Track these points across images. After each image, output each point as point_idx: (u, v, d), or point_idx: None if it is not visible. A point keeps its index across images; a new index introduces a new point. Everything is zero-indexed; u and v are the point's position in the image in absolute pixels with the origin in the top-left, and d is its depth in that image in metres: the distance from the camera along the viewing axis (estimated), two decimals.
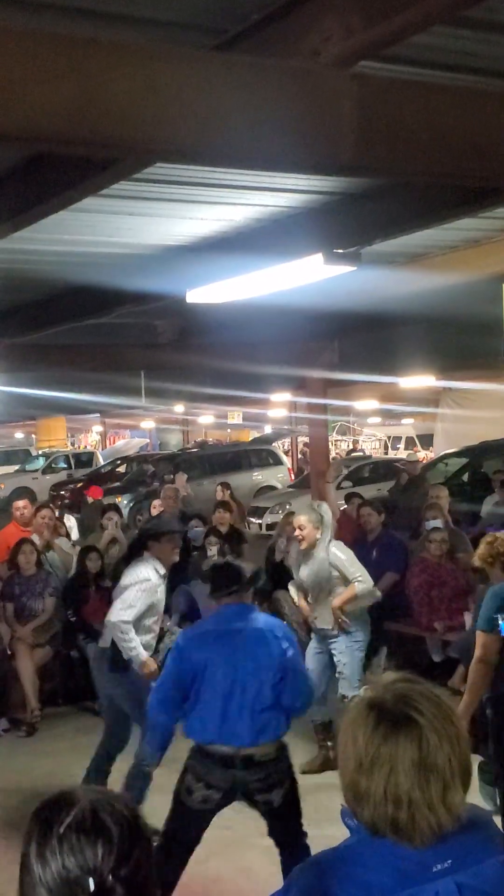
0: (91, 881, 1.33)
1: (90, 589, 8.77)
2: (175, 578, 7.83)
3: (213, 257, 6.76)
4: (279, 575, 9.05)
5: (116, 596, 6.04)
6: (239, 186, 5.38)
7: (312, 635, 6.96)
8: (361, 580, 6.64)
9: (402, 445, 34.79)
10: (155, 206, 5.80)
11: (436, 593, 8.36)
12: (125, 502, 20.81)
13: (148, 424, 33.80)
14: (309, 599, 6.89)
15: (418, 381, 13.60)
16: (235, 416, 32.73)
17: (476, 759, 4.84)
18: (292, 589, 7.52)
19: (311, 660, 6.67)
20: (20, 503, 9.89)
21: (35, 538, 9.06)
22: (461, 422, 19.88)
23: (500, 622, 4.95)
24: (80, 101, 2.68)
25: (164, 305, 8.41)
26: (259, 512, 20.24)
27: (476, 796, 5.39)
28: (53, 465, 30.41)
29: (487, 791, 5.44)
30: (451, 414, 20.90)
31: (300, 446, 32.55)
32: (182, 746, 4.76)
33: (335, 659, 6.70)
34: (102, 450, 37.32)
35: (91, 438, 44.60)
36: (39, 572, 8.70)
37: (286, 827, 4.69)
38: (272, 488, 24.14)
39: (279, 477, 25.51)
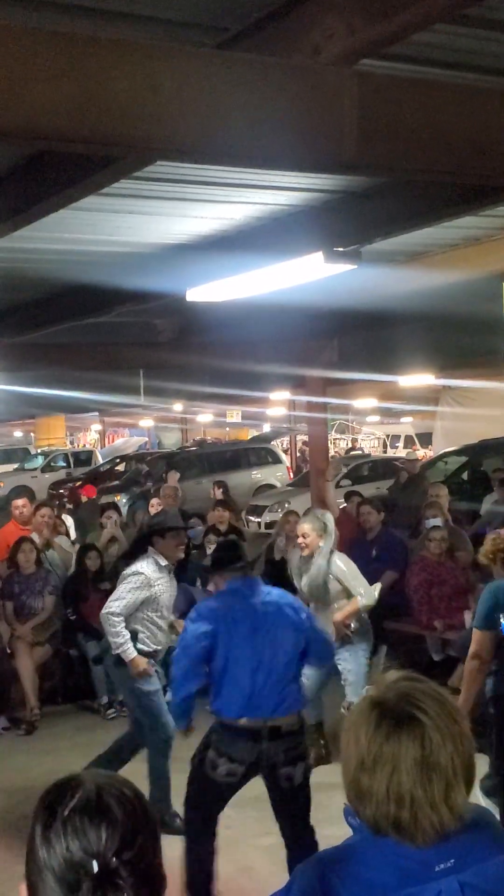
0: (94, 864, 1.32)
1: (89, 587, 8.77)
2: (175, 577, 7.81)
3: (213, 256, 6.76)
4: (278, 573, 9.05)
5: None
6: (239, 185, 5.38)
7: None
8: (364, 594, 6.63)
9: (400, 444, 34.77)
10: (155, 205, 5.80)
11: (435, 592, 8.36)
12: (123, 501, 20.82)
13: (147, 423, 33.79)
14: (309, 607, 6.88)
15: (418, 379, 13.60)
16: (234, 414, 32.72)
17: (479, 758, 4.84)
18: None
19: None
20: (19, 502, 9.90)
21: (34, 537, 9.06)
22: (460, 420, 19.88)
23: (501, 620, 4.96)
24: (81, 100, 2.68)
25: (163, 304, 8.41)
26: (258, 510, 20.23)
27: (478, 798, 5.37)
28: (52, 464, 30.39)
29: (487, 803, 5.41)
30: (451, 412, 20.90)
31: (299, 445, 32.56)
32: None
33: (339, 667, 6.65)
34: (101, 448, 37.32)
35: (90, 437, 44.61)
36: (39, 571, 8.70)
37: (297, 812, 4.72)
38: (271, 487, 24.13)
39: (278, 475, 25.51)
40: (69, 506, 19.01)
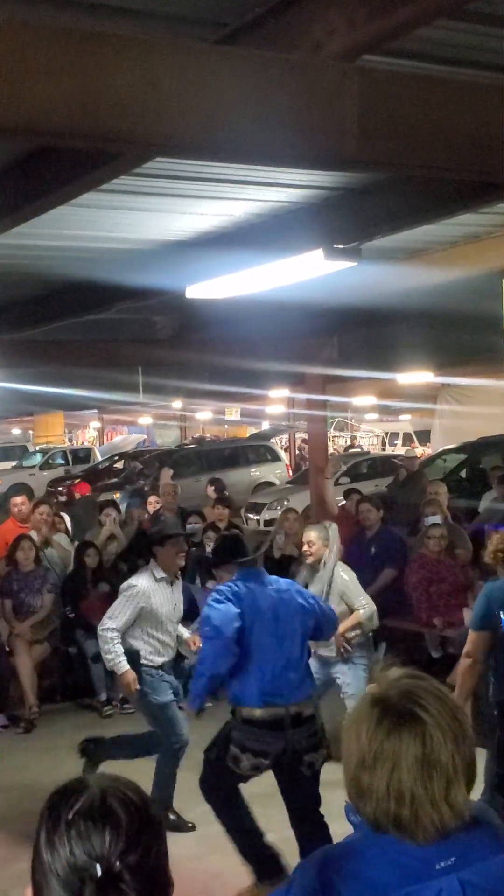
0: (98, 868, 1.32)
1: (88, 585, 8.77)
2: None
3: (212, 253, 6.75)
4: (277, 572, 9.03)
5: None
6: (239, 181, 5.37)
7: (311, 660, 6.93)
8: (365, 606, 6.62)
9: (399, 441, 34.77)
10: (154, 202, 5.79)
11: (434, 589, 8.36)
12: (121, 498, 20.81)
13: (146, 420, 33.76)
14: None
15: (417, 377, 13.59)
16: (233, 412, 32.71)
17: (481, 755, 4.84)
18: None
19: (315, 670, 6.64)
20: (18, 499, 9.88)
21: (33, 534, 9.05)
22: (459, 418, 19.85)
23: (502, 617, 4.97)
24: (80, 95, 2.67)
25: (163, 301, 8.40)
26: (257, 508, 20.22)
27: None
28: (51, 461, 30.35)
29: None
30: (449, 410, 20.87)
31: (298, 442, 32.55)
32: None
33: (339, 681, 6.62)
34: (100, 446, 37.28)
35: (88, 434, 44.56)
36: (38, 568, 8.69)
37: (312, 802, 4.75)
38: (270, 484, 24.12)
39: (277, 473, 25.50)
40: (63, 501, 19.00)
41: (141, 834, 1.37)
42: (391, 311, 9.24)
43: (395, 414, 33.96)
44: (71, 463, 30.53)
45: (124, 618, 5.87)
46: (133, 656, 5.89)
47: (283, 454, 28.25)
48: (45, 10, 3.22)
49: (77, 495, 18.91)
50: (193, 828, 5.81)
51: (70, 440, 40.92)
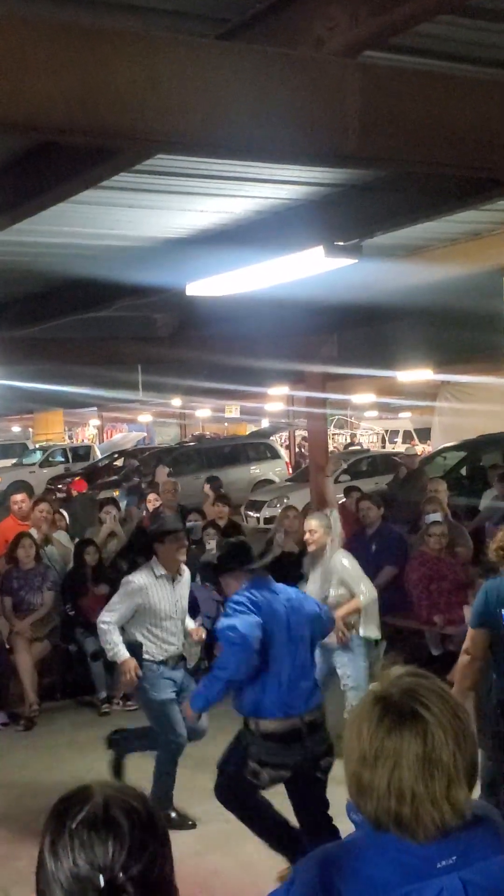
0: (101, 878, 1.31)
1: (88, 583, 8.76)
2: None
3: (212, 250, 6.73)
4: (278, 569, 9.03)
5: None
6: (239, 178, 5.35)
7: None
8: (365, 593, 6.62)
9: (399, 439, 34.77)
10: (154, 198, 5.77)
11: (435, 587, 8.36)
12: (121, 496, 20.80)
13: (145, 418, 33.74)
14: None
15: (417, 374, 13.58)
16: (233, 409, 32.69)
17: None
18: None
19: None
20: (18, 497, 9.87)
21: (33, 532, 9.04)
22: (459, 415, 19.84)
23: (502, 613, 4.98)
24: (81, 91, 2.66)
25: (163, 298, 8.39)
26: (257, 506, 20.22)
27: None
28: (51, 459, 30.35)
29: None
30: (449, 407, 20.86)
31: (298, 440, 32.54)
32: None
33: (339, 672, 6.63)
34: (100, 443, 37.28)
35: (88, 432, 44.53)
36: (38, 566, 8.68)
37: (322, 802, 4.75)
38: (270, 482, 24.11)
39: (277, 471, 25.49)
40: (62, 498, 18.98)
41: (145, 844, 1.36)
42: (391, 308, 9.23)
43: (395, 411, 33.94)
44: (71, 461, 30.54)
45: (120, 612, 5.91)
46: (134, 648, 5.90)
47: (282, 452, 28.24)
48: (44, 5, 3.20)
49: (75, 493, 18.88)
50: (194, 826, 5.81)
51: (70, 438, 40.92)
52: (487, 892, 1.81)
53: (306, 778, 4.70)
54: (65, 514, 10.99)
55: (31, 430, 37.21)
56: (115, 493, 16.76)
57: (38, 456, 30.80)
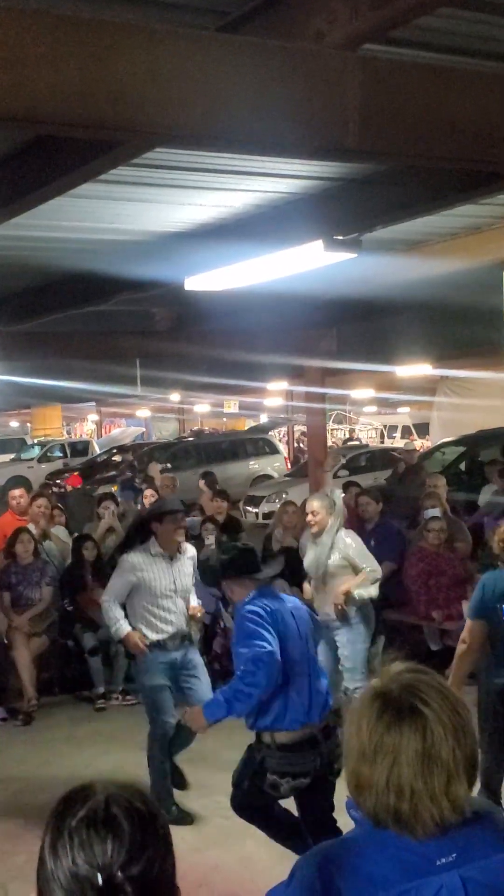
0: (99, 877, 1.30)
1: (87, 578, 8.75)
2: None
3: (211, 244, 6.72)
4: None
5: None
6: (238, 172, 5.34)
7: None
8: (372, 570, 6.62)
9: (398, 434, 34.76)
10: (153, 192, 5.76)
11: (434, 582, 8.36)
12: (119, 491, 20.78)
13: (144, 413, 33.73)
14: (311, 585, 6.86)
15: (416, 369, 13.57)
16: (232, 404, 32.67)
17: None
18: (306, 586, 7.39)
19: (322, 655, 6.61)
20: (16, 492, 9.87)
21: (31, 527, 9.04)
22: (458, 410, 19.84)
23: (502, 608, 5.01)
24: (80, 84, 2.65)
25: (161, 293, 8.37)
26: (255, 501, 20.21)
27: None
28: (49, 454, 30.34)
29: None
30: (448, 402, 20.87)
31: (297, 435, 32.52)
32: None
33: (339, 652, 6.64)
34: (98, 439, 37.26)
35: (87, 427, 44.52)
36: (36, 561, 8.68)
37: (330, 806, 4.72)
38: (268, 477, 24.12)
39: (275, 466, 25.49)
40: (58, 493, 18.97)
41: (145, 844, 1.35)
42: (391, 302, 9.22)
43: (394, 406, 33.90)
44: (69, 456, 30.53)
45: (115, 588, 5.98)
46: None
47: (281, 447, 28.23)
48: None
49: (69, 488, 18.86)
50: (192, 821, 5.80)
51: (68, 433, 40.90)
52: (487, 890, 1.81)
53: (319, 782, 4.68)
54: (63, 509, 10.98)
55: (29, 425, 37.19)
56: (114, 489, 16.76)
57: (36, 451, 30.79)
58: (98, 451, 31.26)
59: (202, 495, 11.58)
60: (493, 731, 5.14)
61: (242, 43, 3.02)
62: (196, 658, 6.06)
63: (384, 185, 5.55)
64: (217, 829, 5.69)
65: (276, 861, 4.77)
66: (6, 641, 8.38)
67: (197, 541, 9.37)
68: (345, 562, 6.60)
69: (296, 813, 4.85)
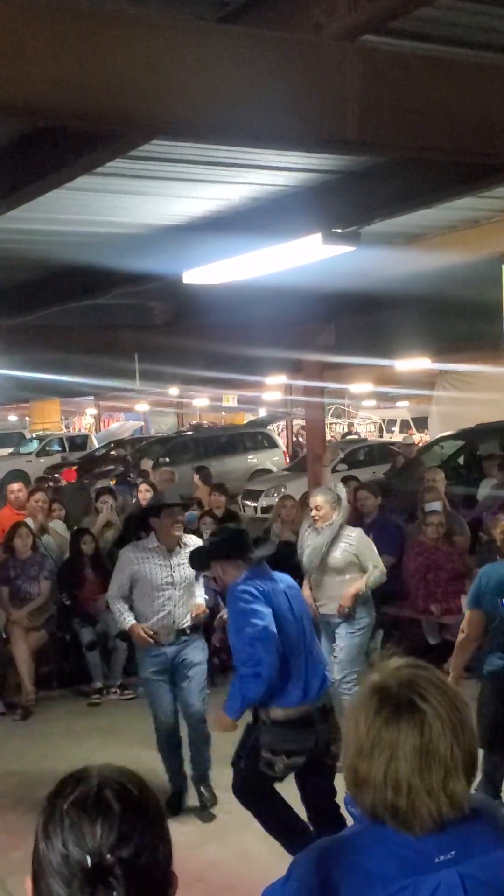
0: (88, 859, 1.29)
1: (85, 572, 8.75)
2: None
3: (209, 237, 6.70)
4: (275, 558, 9.00)
5: None
6: (236, 164, 5.32)
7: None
8: (378, 567, 6.61)
9: (396, 428, 34.76)
10: (151, 185, 5.74)
11: (432, 576, 8.36)
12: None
13: (142, 407, 33.69)
14: (310, 582, 6.84)
15: (415, 363, 13.55)
16: (230, 398, 32.64)
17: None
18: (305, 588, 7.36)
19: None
20: (15, 486, 9.88)
21: (29, 521, 9.03)
22: (457, 404, 19.82)
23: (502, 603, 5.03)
24: (79, 75, 2.64)
25: (159, 286, 8.36)
26: (254, 495, 20.20)
27: None
28: (47, 448, 30.30)
29: None
30: (447, 396, 20.84)
31: (295, 429, 32.51)
32: None
33: (335, 643, 6.63)
34: (97, 433, 37.23)
35: (85, 421, 44.47)
36: (35, 555, 8.67)
37: (331, 788, 4.73)
38: (267, 471, 24.10)
39: (274, 460, 25.47)
40: (54, 487, 18.94)
41: (136, 828, 1.34)
42: (389, 296, 9.20)
43: (393, 401, 33.91)
44: (68, 450, 30.50)
45: (117, 583, 5.99)
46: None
47: (280, 441, 28.20)
48: None
49: (64, 482, 18.80)
50: (205, 808, 5.86)
51: (67, 427, 40.87)
52: (486, 887, 1.80)
53: (317, 765, 4.68)
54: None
55: (27, 419, 37.13)
56: (113, 483, 16.75)
57: (34, 445, 30.75)
58: (96, 445, 31.24)
59: (197, 489, 11.57)
60: (492, 723, 5.13)
61: (241, 34, 3.00)
62: (192, 657, 5.92)
63: (383, 177, 5.53)
64: (215, 823, 5.70)
65: (275, 856, 4.76)
66: (4, 636, 8.39)
67: (195, 535, 9.37)
68: (354, 557, 6.58)
69: (301, 814, 4.85)
